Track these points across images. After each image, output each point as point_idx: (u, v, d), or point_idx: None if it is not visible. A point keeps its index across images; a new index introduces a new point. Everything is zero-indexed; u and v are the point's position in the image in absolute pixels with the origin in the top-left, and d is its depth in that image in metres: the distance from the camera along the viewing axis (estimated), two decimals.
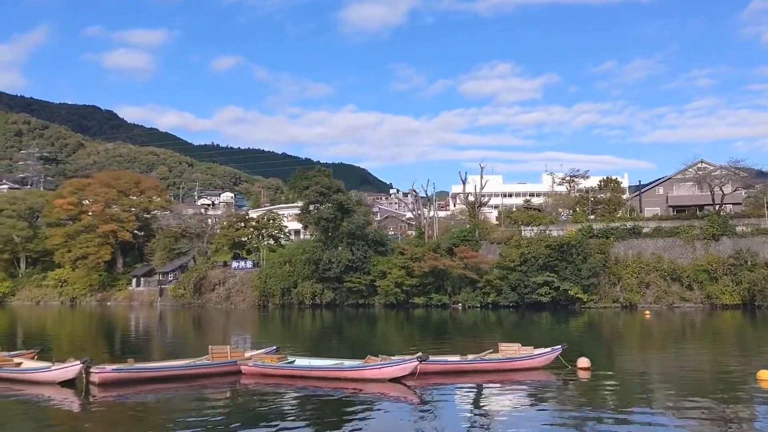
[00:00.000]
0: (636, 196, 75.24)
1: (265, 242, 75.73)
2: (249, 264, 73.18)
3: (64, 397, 17.27)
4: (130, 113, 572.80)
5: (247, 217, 77.09)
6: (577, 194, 74.73)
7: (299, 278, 66.78)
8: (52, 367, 18.51)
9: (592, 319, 48.81)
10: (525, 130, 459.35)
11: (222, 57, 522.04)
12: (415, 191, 75.47)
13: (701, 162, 70.29)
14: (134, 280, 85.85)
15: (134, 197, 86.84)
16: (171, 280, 79.63)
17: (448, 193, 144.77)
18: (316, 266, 65.58)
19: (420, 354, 18.91)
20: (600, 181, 76.07)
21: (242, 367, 19.80)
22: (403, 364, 18.38)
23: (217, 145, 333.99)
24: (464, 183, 72.67)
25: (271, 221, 75.04)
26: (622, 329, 42.24)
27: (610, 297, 58.64)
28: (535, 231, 64.22)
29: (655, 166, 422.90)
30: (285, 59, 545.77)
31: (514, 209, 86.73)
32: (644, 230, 61.56)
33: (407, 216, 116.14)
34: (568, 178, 79.06)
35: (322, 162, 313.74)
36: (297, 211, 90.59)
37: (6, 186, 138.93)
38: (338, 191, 67.41)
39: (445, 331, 42.73)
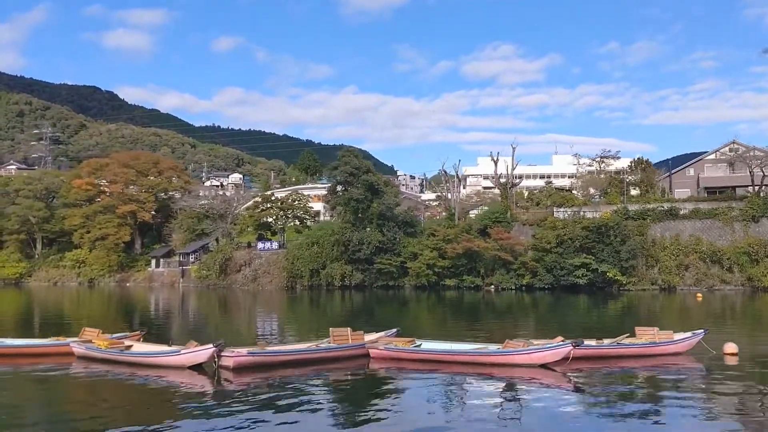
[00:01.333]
0: (666, 177, 74.43)
1: (291, 223, 74.71)
2: (275, 245, 72.32)
3: (197, 383, 16.37)
4: (130, 94, 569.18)
5: (273, 198, 75.95)
6: (605, 176, 73.66)
7: (327, 260, 65.97)
8: (182, 351, 17.57)
9: (636, 302, 47.95)
10: (527, 112, 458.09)
11: (222, 37, 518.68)
12: (445, 171, 74.54)
13: (733, 143, 69.46)
14: (153, 261, 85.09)
15: (153, 177, 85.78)
16: (193, 261, 78.81)
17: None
18: (346, 247, 64.72)
19: (575, 339, 17.96)
20: (631, 162, 75.26)
21: (371, 351, 18.92)
22: (557, 349, 17.48)
23: (218, 126, 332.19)
24: (496, 163, 71.65)
25: (297, 202, 73.96)
26: (692, 311, 40.28)
27: (647, 279, 57.97)
28: (569, 212, 63.36)
29: (656, 148, 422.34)
30: (286, 40, 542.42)
31: (536, 191, 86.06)
32: (681, 212, 60.73)
33: (422, 198, 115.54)
34: (598, 159, 78.18)
35: (323, 144, 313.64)
36: (318, 191, 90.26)
37: (14, 167, 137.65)
38: (368, 171, 66.43)
39: (480, 312, 41.94)
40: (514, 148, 69.58)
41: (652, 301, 48.87)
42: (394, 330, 20.99)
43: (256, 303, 52.11)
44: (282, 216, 73.06)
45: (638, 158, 75.37)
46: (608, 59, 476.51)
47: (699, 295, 48.97)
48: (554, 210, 64.70)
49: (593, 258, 57.40)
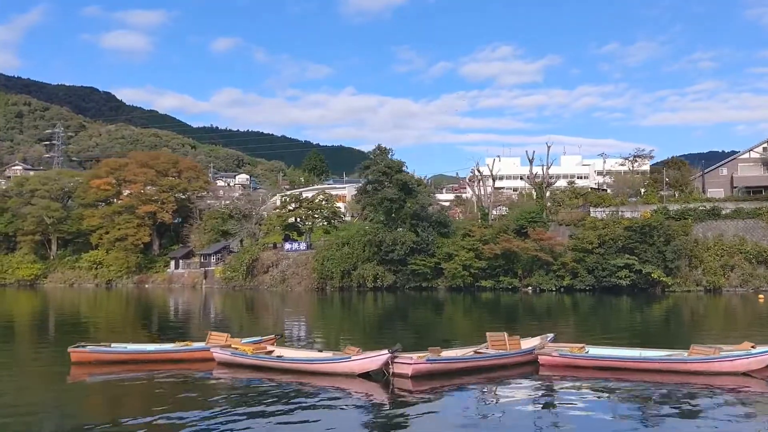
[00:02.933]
0: (699, 176, 73.54)
1: (319, 224, 73.40)
2: (303, 246, 70.99)
3: (370, 392, 15.13)
4: (128, 95, 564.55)
5: (301, 198, 74.61)
6: (641, 175, 72.65)
7: (359, 260, 64.72)
8: (354, 357, 16.29)
9: (687, 303, 46.98)
10: (525, 113, 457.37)
11: (221, 38, 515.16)
12: (479, 170, 73.26)
13: None
14: (172, 263, 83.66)
15: (172, 178, 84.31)
16: (216, 263, 77.41)
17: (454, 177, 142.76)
18: (378, 248, 63.47)
19: None
20: (665, 162, 74.36)
21: (541, 358, 17.68)
22: (761, 356, 16.32)
23: (217, 127, 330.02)
24: (531, 163, 70.61)
25: (325, 202, 72.65)
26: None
27: (691, 280, 56.98)
28: (606, 212, 62.33)
29: (655, 149, 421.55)
30: (284, 40, 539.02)
31: (557, 191, 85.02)
32: (723, 212, 59.79)
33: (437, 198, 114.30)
34: (631, 158, 77.22)
35: (321, 145, 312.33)
36: (338, 191, 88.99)
37: (20, 167, 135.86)
38: (400, 171, 65.20)
39: (523, 314, 41.03)
40: (549, 147, 68.72)
41: (699, 302, 47.85)
42: (551, 335, 19.70)
43: (292, 305, 51.02)
44: (310, 216, 71.69)
45: (672, 158, 74.61)
46: (607, 60, 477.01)
47: (761, 296, 47.81)
48: (591, 210, 63.61)
49: (636, 259, 56.33)
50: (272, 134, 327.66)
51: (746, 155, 71.93)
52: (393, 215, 64.18)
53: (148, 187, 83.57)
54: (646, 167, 75.78)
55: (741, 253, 56.87)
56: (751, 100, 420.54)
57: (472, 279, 61.17)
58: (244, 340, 19.18)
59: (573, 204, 68.55)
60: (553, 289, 58.87)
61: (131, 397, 14.87)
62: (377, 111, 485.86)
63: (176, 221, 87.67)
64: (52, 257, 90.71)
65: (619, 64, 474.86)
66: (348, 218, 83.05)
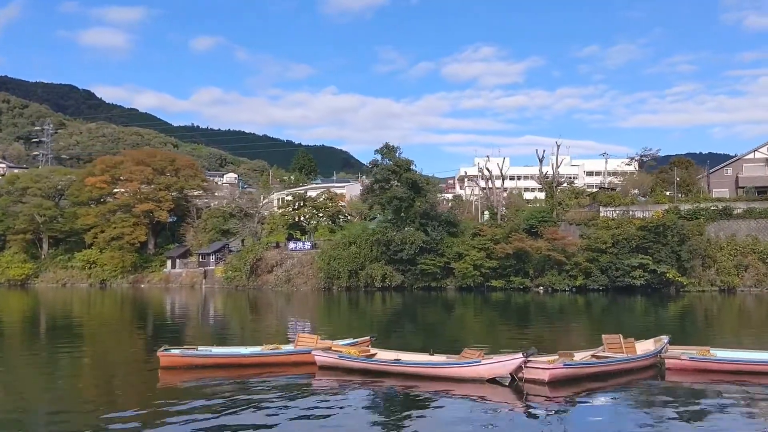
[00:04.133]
0: (704, 176, 73.61)
1: (324, 222, 72.26)
2: (307, 245, 69.83)
3: (505, 398, 14.19)
4: (107, 93, 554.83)
5: (305, 197, 73.42)
6: (652, 175, 72.12)
7: (366, 260, 63.78)
8: (483, 361, 15.32)
9: (709, 303, 46.58)
10: (506, 114, 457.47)
11: (201, 37, 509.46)
12: (488, 169, 72.57)
13: None
14: (169, 262, 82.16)
15: (169, 176, 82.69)
16: (216, 262, 76.03)
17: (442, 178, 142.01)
18: (387, 247, 62.59)
19: None
20: (671, 162, 74.25)
21: (668, 361, 16.79)
22: None
23: (198, 126, 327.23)
24: (541, 162, 70.08)
25: (330, 201, 71.54)
26: None
27: (704, 280, 56.79)
28: (617, 212, 61.99)
29: (634, 150, 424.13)
30: (266, 39, 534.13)
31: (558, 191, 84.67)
32: (735, 211, 59.72)
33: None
34: (638, 158, 76.99)
35: (303, 144, 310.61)
36: (339, 191, 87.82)
37: (4, 164, 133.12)
38: (408, 169, 64.34)
39: (541, 315, 39.96)
40: (558, 146, 68.11)
41: (717, 302, 47.48)
42: (666, 338, 18.79)
43: (300, 304, 50.04)
44: (315, 215, 70.53)
45: (677, 158, 74.48)
46: (588, 62, 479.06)
47: None
48: (600, 209, 63.24)
49: (650, 258, 56.00)
50: (254, 133, 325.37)
51: (751, 155, 72.22)
52: (402, 214, 63.29)
53: (144, 186, 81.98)
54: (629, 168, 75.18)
55: (755, 253, 56.81)
56: (727, 102, 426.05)
57: (482, 279, 60.52)
58: (336, 342, 18.20)
59: (572, 204, 67.98)
60: (566, 289, 58.38)
61: (243, 404, 13.81)
62: (359, 111, 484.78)
63: (171, 220, 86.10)
64: (43, 256, 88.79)
65: (599, 66, 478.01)
66: (348, 217, 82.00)
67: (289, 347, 18.21)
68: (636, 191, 68.44)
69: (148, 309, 48.08)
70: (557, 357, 15.78)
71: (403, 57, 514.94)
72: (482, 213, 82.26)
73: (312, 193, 77.33)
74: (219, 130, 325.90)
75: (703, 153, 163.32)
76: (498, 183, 72.42)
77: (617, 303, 47.75)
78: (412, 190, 63.19)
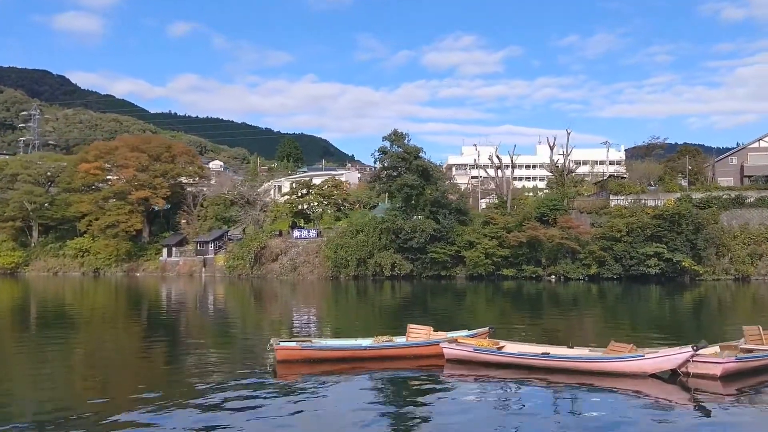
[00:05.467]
0: (709, 165, 73.72)
1: (330, 210, 71.04)
2: (312, 233, 68.59)
3: (673, 396, 13.30)
4: (82, 79, 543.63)
5: (311, 184, 72.09)
6: (662, 164, 71.99)
7: (374, 248, 62.78)
8: (648, 355, 14.42)
9: (714, 292, 46.24)
10: (486, 104, 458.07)
11: (178, 22, 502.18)
12: (498, 156, 71.88)
13: None
14: (165, 250, 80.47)
15: (166, 162, 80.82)
16: (216, 251, 74.53)
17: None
18: (396, 236, 61.67)
19: None
20: (679, 150, 74.20)
21: None
22: None
23: (175, 113, 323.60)
24: (552, 150, 69.50)
25: (335, 188, 70.32)
26: None
27: (719, 269, 56.74)
28: (628, 200, 61.69)
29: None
30: (244, 26, 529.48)
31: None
32: (747, 200, 59.75)
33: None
34: (645, 145, 76.76)
35: (282, 132, 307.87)
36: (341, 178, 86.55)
37: None
38: (417, 156, 63.38)
39: (555, 304, 39.04)
40: (569, 133, 67.63)
41: (736, 290, 47.31)
42: None
43: (310, 293, 48.88)
44: (321, 203, 69.28)
45: (685, 146, 74.46)
46: (567, 52, 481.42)
47: None
48: (611, 197, 62.91)
49: (665, 247, 55.75)
50: (232, 121, 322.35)
51: (756, 144, 72.47)
52: (412, 202, 62.35)
53: (140, 173, 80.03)
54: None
55: None
56: (704, 93, 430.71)
57: (493, 267, 59.92)
58: (450, 334, 17.25)
59: (572, 193, 67.59)
60: (580, 278, 57.92)
61: (396, 400, 12.84)
62: (338, 99, 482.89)
63: (166, 207, 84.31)
64: (32, 244, 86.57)
65: (578, 56, 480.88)
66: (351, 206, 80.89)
67: (401, 339, 17.18)
68: (643, 181, 67.85)
69: (158, 299, 46.65)
70: (718, 350, 14.98)
71: (383, 45, 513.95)
72: (479, 201, 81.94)
73: (316, 181, 75.93)
74: (197, 117, 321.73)
75: (678, 143, 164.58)
76: (475, 173, 71.67)
77: (637, 292, 47.23)
78: (423, 177, 62.27)
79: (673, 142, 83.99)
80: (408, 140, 64.49)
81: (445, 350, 16.02)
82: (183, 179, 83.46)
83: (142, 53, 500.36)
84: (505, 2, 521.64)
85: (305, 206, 70.87)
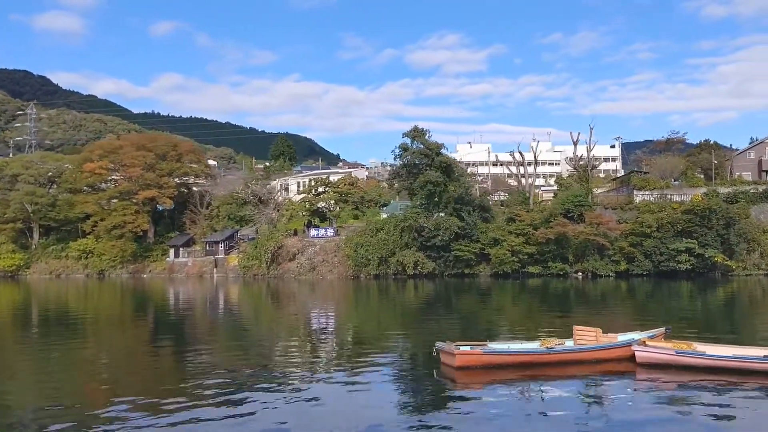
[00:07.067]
0: (727, 160, 73.32)
1: (348, 209, 69.51)
2: (330, 232, 67.06)
3: None
4: (64, 79, 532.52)
5: (328, 182, 70.56)
6: (684, 159, 71.35)
7: (396, 247, 61.41)
8: None
9: (747, 287, 45.31)
10: (471, 102, 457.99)
11: (161, 22, 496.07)
12: (520, 152, 70.83)
13: None
14: (172, 251, 78.55)
15: (172, 161, 78.87)
16: (227, 251, 72.77)
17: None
18: (418, 234, 60.38)
19: None
20: (699, 145, 73.72)
21: None
22: None
23: (158, 113, 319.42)
24: (575, 145, 68.51)
25: (352, 186, 68.84)
26: None
27: (750, 263, 56.18)
28: (654, 196, 60.96)
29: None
30: (228, 25, 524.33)
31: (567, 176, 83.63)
32: None
33: None
34: (664, 141, 76.14)
35: (267, 132, 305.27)
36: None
37: None
38: (439, 153, 62.19)
39: (588, 302, 37.85)
40: (591, 128, 66.69)
41: (761, 285, 46.47)
42: None
43: (336, 294, 47.34)
44: (339, 201, 67.78)
45: (705, 141, 73.99)
46: (551, 50, 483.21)
47: None
48: (634, 193, 62.16)
49: (696, 242, 55.04)
50: (216, 120, 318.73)
51: None
52: (436, 199, 61.06)
53: (146, 172, 78.01)
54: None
55: None
56: (686, 90, 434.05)
57: (519, 265, 58.89)
58: (621, 336, 16.02)
59: (573, 190, 66.75)
60: (611, 274, 57.03)
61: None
62: (322, 98, 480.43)
63: (171, 207, 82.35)
64: (33, 246, 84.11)
65: (562, 54, 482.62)
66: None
67: (570, 343, 15.88)
68: (668, 176, 67.02)
69: (189, 302, 44.92)
70: None
71: (367, 44, 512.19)
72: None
73: (332, 178, 74.45)
74: (180, 117, 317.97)
75: (660, 140, 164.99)
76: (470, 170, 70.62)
77: (671, 288, 46.27)
78: (445, 173, 61.09)
79: (654, 139, 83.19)
80: (429, 136, 63.29)
81: (637, 354, 14.77)
82: (188, 179, 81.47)
83: (124, 53, 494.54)
84: (489, 1, 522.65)
85: (323, 204, 69.24)
